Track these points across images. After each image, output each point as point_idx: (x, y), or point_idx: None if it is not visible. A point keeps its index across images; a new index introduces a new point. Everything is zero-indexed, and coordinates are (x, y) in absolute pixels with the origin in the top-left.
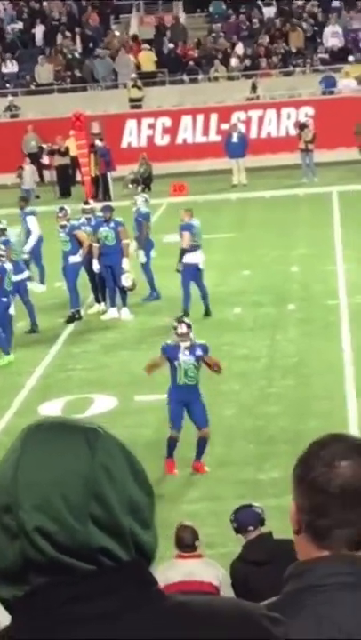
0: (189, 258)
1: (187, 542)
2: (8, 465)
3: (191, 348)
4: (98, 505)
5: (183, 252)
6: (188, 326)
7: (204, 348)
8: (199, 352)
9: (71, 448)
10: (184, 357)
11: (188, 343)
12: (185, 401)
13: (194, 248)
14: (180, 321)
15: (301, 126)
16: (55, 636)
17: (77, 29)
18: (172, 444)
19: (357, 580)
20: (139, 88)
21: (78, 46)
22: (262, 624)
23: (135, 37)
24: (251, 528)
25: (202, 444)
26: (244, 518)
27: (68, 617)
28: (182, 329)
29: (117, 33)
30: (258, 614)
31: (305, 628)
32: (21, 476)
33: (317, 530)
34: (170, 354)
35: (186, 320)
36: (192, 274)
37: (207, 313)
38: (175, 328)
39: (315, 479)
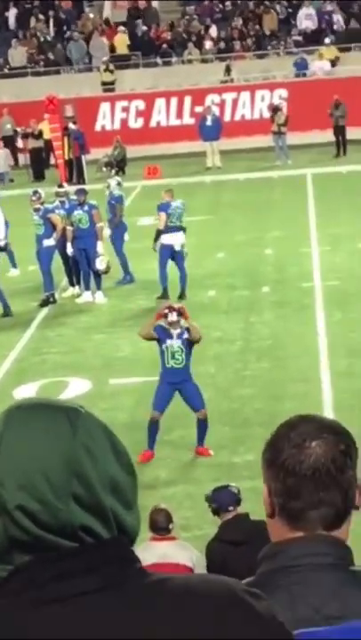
0: (165, 239)
1: (161, 525)
2: None
3: (180, 334)
4: (79, 484)
5: (158, 232)
6: (179, 314)
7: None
8: (186, 335)
9: (53, 427)
10: (171, 341)
11: (178, 330)
12: (175, 384)
13: (171, 229)
14: (170, 309)
15: (275, 109)
16: (39, 613)
17: (51, 12)
18: (152, 428)
19: (334, 560)
20: (111, 72)
21: (52, 29)
22: (244, 599)
23: (107, 21)
24: (230, 508)
25: (202, 427)
26: (224, 498)
27: (52, 595)
28: (173, 317)
29: (91, 16)
30: (239, 589)
31: (279, 609)
32: (3, 455)
33: (291, 512)
34: (160, 335)
35: (176, 307)
36: (168, 255)
37: (181, 296)
38: (165, 316)
39: (285, 461)
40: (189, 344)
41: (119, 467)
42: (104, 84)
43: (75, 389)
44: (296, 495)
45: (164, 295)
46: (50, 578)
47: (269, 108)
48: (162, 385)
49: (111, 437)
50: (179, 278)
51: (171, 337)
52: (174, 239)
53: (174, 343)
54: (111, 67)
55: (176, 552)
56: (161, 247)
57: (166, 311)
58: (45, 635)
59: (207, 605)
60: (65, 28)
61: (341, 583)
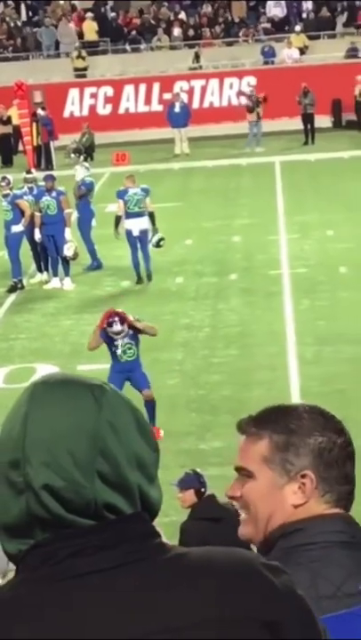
0: (127, 224)
1: None
2: (15, 421)
3: (125, 335)
4: (104, 461)
5: (117, 218)
6: (122, 321)
7: (134, 328)
8: (131, 332)
9: (78, 404)
10: (119, 342)
11: (122, 336)
12: (126, 371)
13: (130, 215)
14: (111, 318)
15: (257, 100)
16: (55, 589)
17: None
18: None
19: (348, 537)
20: (83, 58)
21: (23, 15)
22: (263, 572)
23: (74, 7)
24: (203, 490)
25: (149, 408)
26: (195, 482)
27: (69, 571)
28: (117, 327)
29: (61, 2)
30: (258, 562)
31: (300, 586)
32: (29, 432)
33: (341, 495)
34: (105, 339)
35: (118, 313)
36: (133, 241)
37: (149, 277)
38: (110, 325)
39: (348, 447)
40: (136, 335)
41: (143, 442)
42: (76, 69)
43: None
44: (350, 480)
45: (139, 280)
46: (68, 554)
47: (249, 99)
48: (113, 374)
49: (135, 413)
50: (143, 259)
51: (115, 342)
52: (133, 225)
53: (124, 342)
54: (83, 53)
55: None
56: (126, 233)
57: (110, 320)
58: (61, 611)
59: (227, 580)
60: (31, 13)
61: (358, 561)
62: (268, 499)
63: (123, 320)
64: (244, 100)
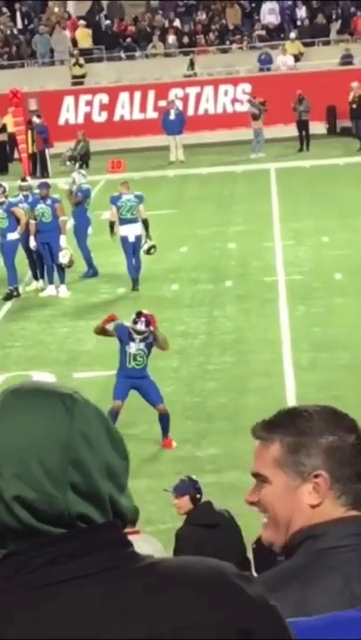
0: (122, 230)
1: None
2: None
3: (143, 338)
4: (76, 472)
5: (111, 224)
6: (147, 324)
7: (154, 335)
8: (150, 339)
9: (49, 414)
10: (134, 345)
11: (141, 338)
12: (132, 380)
13: (123, 221)
14: (139, 314)
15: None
16: (32, 597)
17: (17, 5)
18: (112, 414)
19: None
20: (80, 65)
21: (19, 23)
22: (236, 582)
23: (69, 15)
24: (198, 496)
25: (164, 421)
26: (199, 489)
27: (43, 580)
28: (141, 326)
29: (56, 9)
30: (231, 572)
31: (333, 589)
32: (0, 442)
33: (357, 494)
34: (121, 335)
35: (146, 314)
36: (128, 247)
37: (135, 283)
38: (135, 322)
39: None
40: (151, 346)
41: (114, 451)
42: (74, 77)
43: None
44: None
45: (135, 286)
46: (42, 563)
47: (255, 107)
48: (121, 379)
49: (106, 422)
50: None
51: (134, 341)
52: (127, 231)
53: (138, 346)
54: (81, 60)
55: (141, 545)
56: (121, 240)
57: (135, 317)
58: (33, 620)
59: (198, 589)
60: (27, 21)
61: None
62: (284, 501)
63: (148, 322)
64: (248, 108)
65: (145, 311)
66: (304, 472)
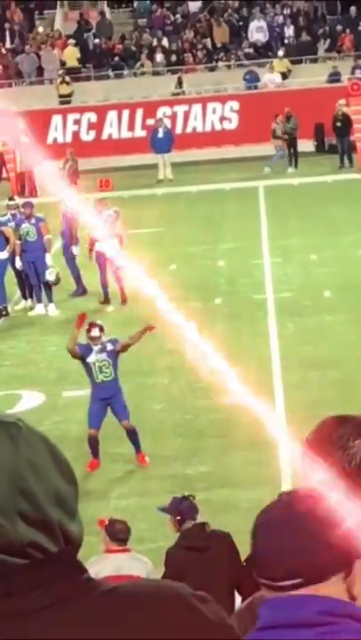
0: (98, 246)
1: (122, 535)
2: None
3: (102, 348)
4: (24, 500)
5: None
6: (101, 329)
7: (114, 341)
8: (110, 347)
9: None
10: (94, 357)
11: (98, 346)
12: (106, 398)
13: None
14: (92, 324)
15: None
16: None
17: (7, 25)
18: (91, 442)
19: None
20: (67, 84)
21: (7, 42)
22: (192, 602)
23: (58, 33)
24: (196, 516)
25: (132, 436)
26: (187, 509)
27: (5, 611)
28: (95, 332)
29: (41, 29)
30: (186, 592)
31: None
32: None
33: None
34: (83, 352)
35: (99, 323)
36: (99, 262)
37: (105, 300)
38: (88, 331)
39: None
40: (115, 355)
41: (61, 477)
42: (61, 96)
43: (28, 402)
44: None
45: (106, 300)
46: (1, 595)
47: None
48: (94, 403)
49: (51, 448)
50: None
51: (91, 351)
52: (105, 247)
53: (99, 357)
54: (67, 79)
55: (130, 564)
56: (95, 255)
57: (88, 327)
58: None
59: (155, 610)
60: (12, 41)
61: None
62: None
63: (102, 329)
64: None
65: (98, 322)
66: None
